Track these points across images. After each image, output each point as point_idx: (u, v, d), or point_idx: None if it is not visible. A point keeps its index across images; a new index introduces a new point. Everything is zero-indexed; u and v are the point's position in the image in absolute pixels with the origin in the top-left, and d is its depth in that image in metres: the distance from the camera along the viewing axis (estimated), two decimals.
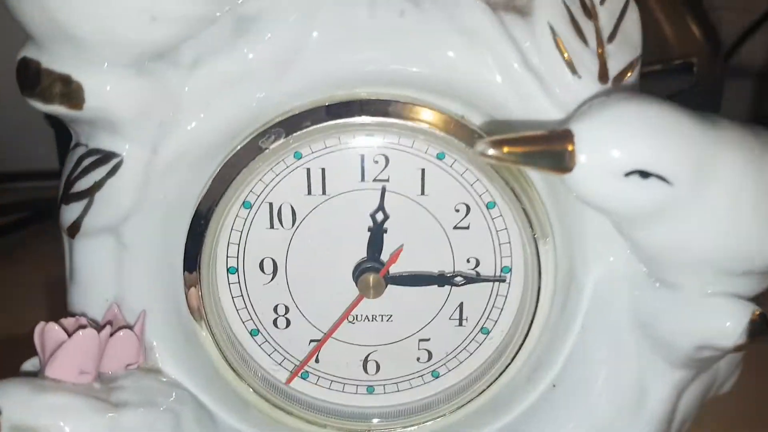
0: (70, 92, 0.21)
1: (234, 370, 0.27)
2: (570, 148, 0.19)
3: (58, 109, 0.21)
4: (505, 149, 0.19)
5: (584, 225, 0.25)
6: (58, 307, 0.46)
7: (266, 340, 0.28)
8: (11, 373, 0.36)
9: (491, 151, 0.19)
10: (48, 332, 0.21)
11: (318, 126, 0.24)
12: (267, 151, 0.24)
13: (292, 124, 0.24)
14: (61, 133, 0.71)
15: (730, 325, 0.21)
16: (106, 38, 0.20)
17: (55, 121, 0.72)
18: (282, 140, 0.24)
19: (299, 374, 0.28)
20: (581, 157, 0.20)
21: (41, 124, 0.73)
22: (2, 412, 0.19)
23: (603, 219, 0.24)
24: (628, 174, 0.20)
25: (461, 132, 0.24)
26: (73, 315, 0.24)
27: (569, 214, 0.25)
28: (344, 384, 0.29)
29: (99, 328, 0.23)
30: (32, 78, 0.21)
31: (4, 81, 0.77)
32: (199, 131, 0.23)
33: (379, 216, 0.26)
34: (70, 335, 0.21)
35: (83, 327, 0.22)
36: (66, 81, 0.20)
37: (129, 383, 0.23)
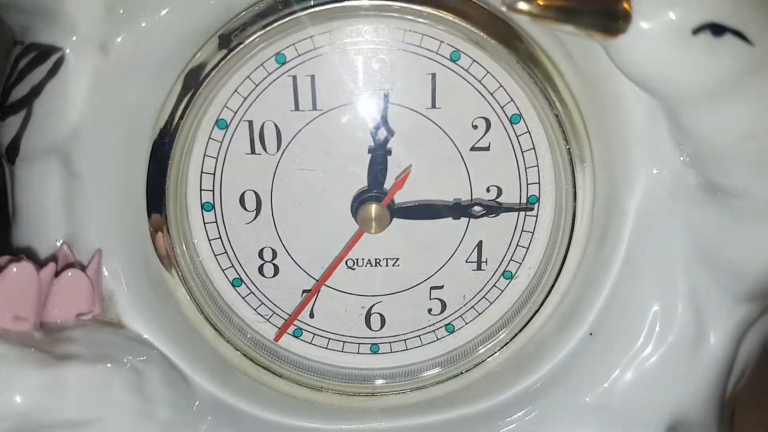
0: None
1: (213, 326, 0.24)
2: (626, 5, 0.15)
3: None
4: (542, 2, 0.15)
5: (627, 131, 0.22)
6: None
7: (251, 291, 0.25)
8: None
9: (523, 5, 0.15)
10: None
11: (303, 14, 0.20)
12: (241, 47, 0.21)
13: (270, 13, 0.20)
14: None
15: None
16: None
17: None
18: (258, 35, 0.20)
19: (289, 330, 0.25)
20: (638, 13, 0.16)
21: None
22: None
23: (648, 123, 0.21)
24: (697, 31, 0.17)
25: (481, 17, 0.21)
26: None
27: (609, 121, 0.22)
28: (344, 342, 0.26)
29: (41, 266, 0.19)
30: None
31: None
32: (159, 26, 0.21)
33: (382, 134, 0.23)
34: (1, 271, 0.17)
35: (17, 262, 0.18)
36: None
37: (80, 335, 0.21)
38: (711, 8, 0.16)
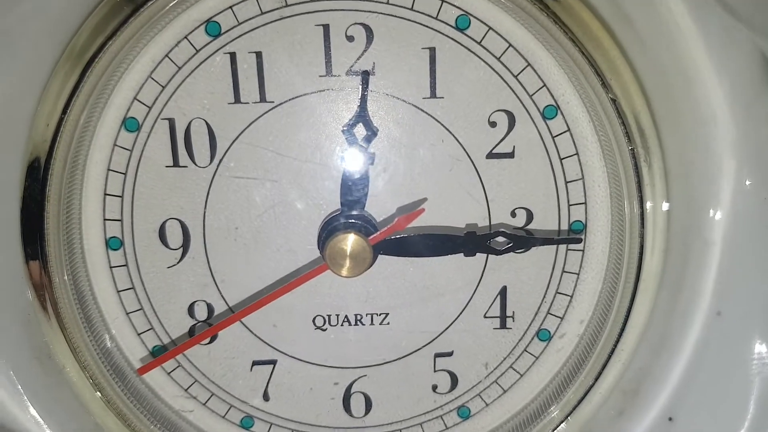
0: None
1: (124, 421, 0.17)
2: None
3: None
4: None
5: (710, 124, 0.15)
6: None
7: (179, 365, 0.18)
8: None
9: None
10: None
11: None
12: (150, 5, 0.14)
13: None
14: None
15: None
16: None
17: None
18: None
19: (236, 420, 0.18)
20: None
21: None
22: None
23: (739, 111, 0.15)
24: None
25: None
26: None
27: (685, 110, 0.16)
28: None
29: None
30: None
31: None
32: None
33: (360, 133, 0.16)
34: None
35: None
36: None
37: None
38: None
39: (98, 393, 0.17)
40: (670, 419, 0.17)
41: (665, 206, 0.16)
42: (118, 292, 0.17)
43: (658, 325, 0.17)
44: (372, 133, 0.16)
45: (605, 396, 0.18)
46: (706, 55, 0.15)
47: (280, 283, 0.17)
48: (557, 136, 0.17)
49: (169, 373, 0.18)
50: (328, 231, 0.16)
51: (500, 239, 0.17)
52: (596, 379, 0.17)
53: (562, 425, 0.18)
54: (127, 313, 0.17)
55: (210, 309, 0.18)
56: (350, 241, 0.16)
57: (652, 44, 0.15)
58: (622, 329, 0.17)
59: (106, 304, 0.17)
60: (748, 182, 0.16)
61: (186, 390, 0.18)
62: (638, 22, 0.15)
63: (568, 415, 0.18)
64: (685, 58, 0.15)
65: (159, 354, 0.18)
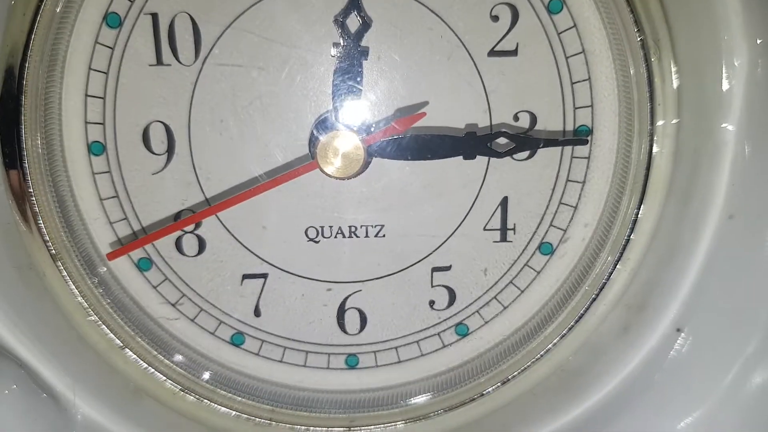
0: None
1: (110, 329, 0.16)
2: None
3: None
4: None
5: (717, 16, 0.14)
6: None
7: (166, 278, 0.17)
8: None
9: None
10: None
11: None
12: None
13: None
14: None
15: None
16: None
17: None
18: None
19: (227, 338, 0.17)
20: None
21: None
22: None
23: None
24: None
25: None
26: None
27: (701, 15, 0.15)
28: (306, 352, 0.18)
29: None
30: None
31: None
32: None
33: (353, 24, 0.15)
34: None
35: None
36: None
37: None
38: None
39: (81, 299, 0.16)
40: (678, 330, 0.16)
41: (674, 102, 0.15)
42: (101, 200, 0.17)
43: (666, 232, 0.16)
44: (365, 24, 0.15)
45: (608, 310, 0.17)
46: None
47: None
48: (563, 32, 0.16)
49: (155, 287, 0.17)
50: (320, 128, 0.15)
51: (502, 140, 0.16)
52: (600, 290, 0.16)
53: (563, 340, 0.17)
54: (111, 223, 0.17)
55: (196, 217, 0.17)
56: (343, 138, 0.15)
57: None
58: (629, 236, 0.16)
59: (89, 212, 0.17)
60: (760, 69, 0.15)
61: (174, 305, 0.18)
62: None
63: (570, 328, 0.17)
64: None
65: (146, 268, 0.17)
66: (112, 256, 0.17)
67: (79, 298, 0.17)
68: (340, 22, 0.16)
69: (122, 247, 0.17)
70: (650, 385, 0.18)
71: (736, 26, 0.15)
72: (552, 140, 0.16)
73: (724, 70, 0.15)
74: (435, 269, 0.17)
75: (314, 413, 0.17)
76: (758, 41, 0.15)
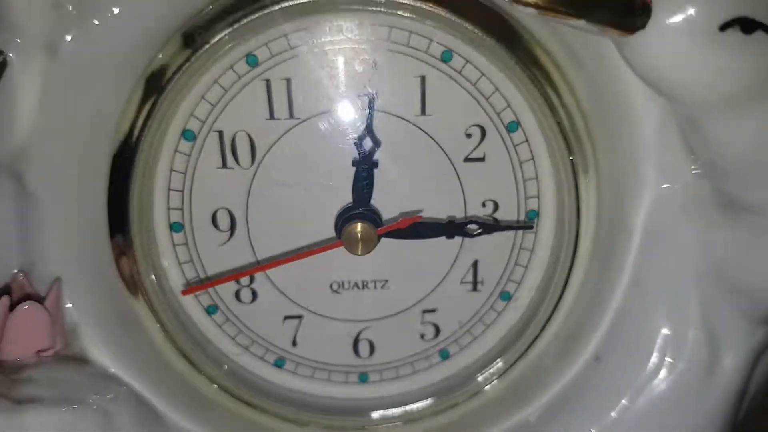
0: None
1: (186, 358, 0.22)
2: None
3: None
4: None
5: (635, 141, 0.20)
6: None
7: (227, 319, 0.23)
8: None
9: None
10: None
11: (276, 8, 0.18)
12: (207, 48, 0.19)
13: (239, 8, 0.19)
14: None
15: None
16: None
17: None
18: (227, 31, 0.18)
19: (271, 360, 0.23)
20: (659, 6, 0.15)
21: None
22: None
23: (659, 132, 0.20)
24: (724, 27, 0.15)
25: (475, 11, 0.19)
26: None
27: (616, 129, 0.20)
28: (330, 371, 0.24)
29: None
30: None
31: None
32: (114, 23, 0.18)
33: (367, 144, 0.21)
34: None
35: None
36: None
37: (40, 374, 0.19)
38: (740, 1, 0.14)
39: (168, 340, 0.22)
40: (597, 359, 0.22)
41: (595, 201, 0.21)
42: (180, 264, 0.22)
43: (589, 290, 0.21)
44: (376, 144, 0.20)
45: (549, 341, 0.22)
46: (642, 97, 0.19)
47: (310, 260, 0.21)
48: (518, 145, 0.21)
49: (220, 326, 0.23)
50: (343, 221, 0.20)
51: (473, 226, 0.21)
52: (542, 330, 0.22)
53: (515, 365, 0.23)
54: (187, 280, 0.22)
55: (251, 276, 0.22)
56: (359, 228, 0.20)
57: (595, 82, 0.19)
58: (562, 292, 0.21)
59: (171, 274, 0.22)
60: (665, 185, 0.20)
61: (233, 338, 0.23)
62: (588, 66, 0.19)
63: (519, 357, 0.22)
64: (623, 97, 0.19)
65: (213, 312, 0.23)
66: (185, 292, 0.22)
67: (162, 334, 0.23)
68: (358, 143, 0.21)
69: (193, 287, 0.22)
70: (583, 387, 0.24)
71: (647, 164, 0.20)
72: (508, 226, 0.21)
73: (634, 191, 0.20)
74: (425, 311, 0.23)
75: (338, 416, 0.23)
76: (663, 186, 0.20)
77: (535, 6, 0.14)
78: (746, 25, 0.15)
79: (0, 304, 0.18)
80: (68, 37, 0.18)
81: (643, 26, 0.15)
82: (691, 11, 0.15)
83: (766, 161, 0.18)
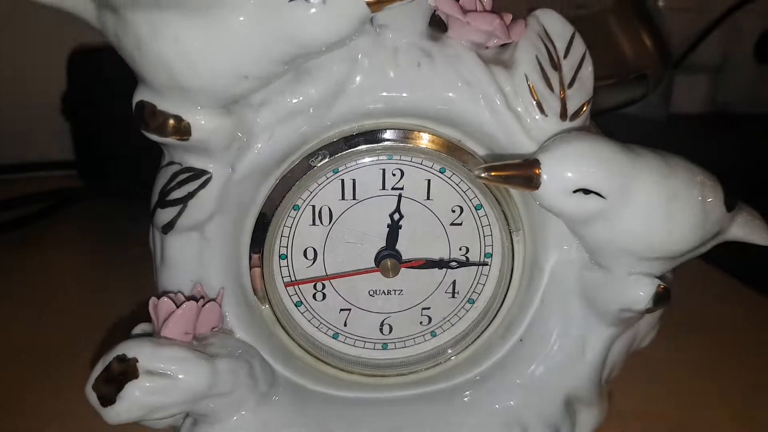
0: (181, 128, 0.25)
1: (286, 331, 0.32)
2: (537, 172, 0.26)
3: (169, 140, 0.27)
4: (493, 173, 0.27)
5: (546, 224, 0.30)
6: (83, 285, 0.53)
7: (307, 310, 0.33)
8: (45, 349, 0.42)
9: (484, 174, 0.27)
10: (162, 305, 0.28)
11: (353, 149, 0.29)
12: (315, 168, 0.29)
13: (333, 148, 0.28)
14: (77, 126, 0.76)
15: (642, 294, 0.27)
16: (211, 91, 0.25)
17: (71, 115, 0.77)
18: (326, 160, 0.29)
19: (330, 334, 0.33)
20: (545, 178, 0.25)
21: (56, 118, 0.78)
22: (138, 359, 0.26)
23: (559, 220, 0.29)
24: (575, 191, 0.25)
25: (458, 153, 0.29)
26: (163, 293, 0.31)
27: (535, 216, 0.30)
28: (365, 342, 0.33)
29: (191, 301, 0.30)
30: (149, 117, 0.26)
31: (22, 77, 0.82)
32: (265, 153, 0.28)
33: (396, 216, 0.30)
34: (177, 306, 0.28)
35: (186, 301, 0.29)
36: (178, 119, 0.26)
37: (215, 341, 0.28)
38: (583, 179, 0.25)
39: (277, 322, 0.34)
40: (521, 340, 0.32)
41: (522, 252, 0.31)
42: (282, 277, 0.31)
43: (518, 302, 0.31)
44: (401, 216, 0.30)
45: (495, 329, 0.32)
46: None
47: (358, 279, 0.32)
48: (481, 217, 0.30)
49: (302, 314, 0.32)
50: (380, 258, 0.31)
51: (453, 263, 0.31)
52: (490, 323, 0.32)
53: (474, 342, 0.33)
54: (285, 287, 0.33)
55: (323, 285, 0.32)
56: (389, 263, 0.30)
57: (524, 194, 0.30)
58: (503, 302, 0.31)
59: (278, 284, 0.32)
60: (565, 247, 0.30)
61: (309, 321, 0.33)
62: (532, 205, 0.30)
63: (477, 338, 0.33)
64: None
65: (299, 305, 0.36)
66: (287, 285, 0.32)
67: (273, 317, 0.35)
68: (391, 215, 0.34)
69: (289, 284, 0.32)
70: (513, 356, 0.37)
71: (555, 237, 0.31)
72: (473, 263, 0.31)
73: (546, 249, 0.31)
74: (423, 308, 0.32)
75: (369, 369, 0.33)
76: (564, 247, 0.29)
77: (486, 179, 0.25)
78: (585, 191, 0.25)
79: (197, 304, 0.27)
80: (243, 161, 0.27)
81: (538, 186, 0.25)
82: (559, 183, 0.25)
83: (605, 250, 0.27)
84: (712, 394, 0.40)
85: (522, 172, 0.25)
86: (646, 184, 0.25)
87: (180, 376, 0.25)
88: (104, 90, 0.67)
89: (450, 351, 0.34)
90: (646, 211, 0.26)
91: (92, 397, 0.24)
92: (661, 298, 0.27)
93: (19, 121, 0.85)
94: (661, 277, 0.28)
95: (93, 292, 0.54)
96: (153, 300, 0.27)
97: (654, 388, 0.40)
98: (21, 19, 0.83)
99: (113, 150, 0.71)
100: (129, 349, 0.25)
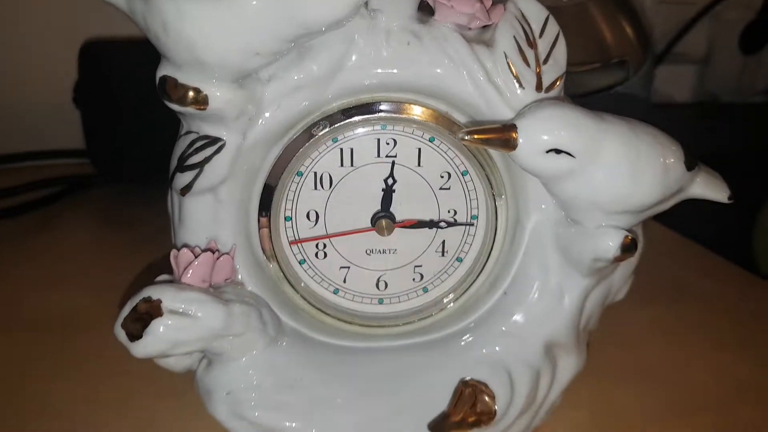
0: (199, 98, 0.28)
1: (291, 285, 0.35)
2: (514, 135, 0.30)
3: (189, 110, 0.30)
4: (475, 136, 0.30)
5: (526, 185, 0.32)
6: (93, 263, 0.56)
7: (310, 267, 0.35)
8: (59, 320, 0.45)
9: (467, 137, 0.30)
10: (182, 255, 0.31)
11: (350, 120, 0.32)
12: (316, 137, 0.32)
13: (333, 119, 0.31)
14: (88, 115, 0.79)
15: (611, 244, 0.29)
16: (227, 66, 0.28)
17: (81, 103, 0.81)
18: (326, 130, 0.32)
19: (330, 289, 0.36)
20: (521, 141, 0.28)
21: (67, 107, 0.81)
22: (162, 300, 0.29)
23: (538, 184, 0.31)
24: (548, 151, 0.28)
25: (446, 123, 0.32)
26: (183, 246, 0.34)
27: (516, 179, 0.33)
28: (363, 297, 0.36)
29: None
30: (171, 89, 0.29)
31: (33, 67, 0.86)
32: (272, 123, 0.30)
33: (390, 181, 0.33)
34: (196, 257, 0.32)
35: (203, 252, 0.32)
36: (197, 91, 0.29)
37: (229, 289, 0.31)
38: (554, 140, 0.27)
39: (283, 277, 0.39)
40: (505, 293, 0.34)
41: (505, 213, 0.35)
42: (288, 238, 0.34)
43: (502, 258, 0.34)
44: (394, 181, 0.32)
45: (481, 283, 0.35)
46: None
47: (356, 239, 0.34)
48: (467, 182, 0.33)
49: (305, 271, 0.36)
50: (376, 219, 0.33)
51: (443, 223, 0.34)
52: (477, 277, 0.35)
53: (463, 295, 0.37)
54: (290, 245, 0.38)
55: (324, 245, 0.34)
56: (384, 222, 0.33)
57: (506, 158, 0.34)
58: (488, 258, 0.34)
59: (284, 243, 0.36)
60: (543, 206, 0.34)
61: (312, 278, 0.38)
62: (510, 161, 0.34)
63: (465, 291, 0.36)
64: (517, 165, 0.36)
65: (303, 263, 0.40)
66: (292, 243, 0.35)
67: (280, 274, 0.39)
68: (385, 181, 0.37)
69: (293, 242, 0.36)
70: (499, 307, 0.40)
71: (533, 200, 0.37)
72: (461, 223, 0.36)
73: (526, 210, 0.36)
74: (416, 266, 0.34)
75: (367, 320, 0.36)
76: (542, 206, 0.32)
77: (468, 141, 0.29)
78: (557, 151, 0.27)
79: (213, 256, 0.31)
80: (252, 130, 0.30)
81: (515, 148, 0.28)
82: (533, 144, 0.27)
83: (575, 204, 0.29)
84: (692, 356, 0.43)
85: (500, 135, 0.28)
86: (612, 145, 0.28)
87: (199, 315, 0.28)
88: (114, 80, 0.70)
89: (441, 304, 0.36)
90: (612, 169, 0.28)
91: (121, 334, 0.28)
92: (627, 248, 0.30)
93: (33, 112, 0.88)
94: (628, 231, 0.31)
95: (105, 268, 0.58)
96: (174, 251, 0.30)
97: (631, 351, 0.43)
98: (33, 13, 0.86)
99: (123, 138, 0.74)
100: (153, 291, 0.28)
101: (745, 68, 1.13)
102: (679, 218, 0.50)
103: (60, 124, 0.88)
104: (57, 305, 0.46)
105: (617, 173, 0.29)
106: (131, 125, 0.71)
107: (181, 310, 0.27)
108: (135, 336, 0.27)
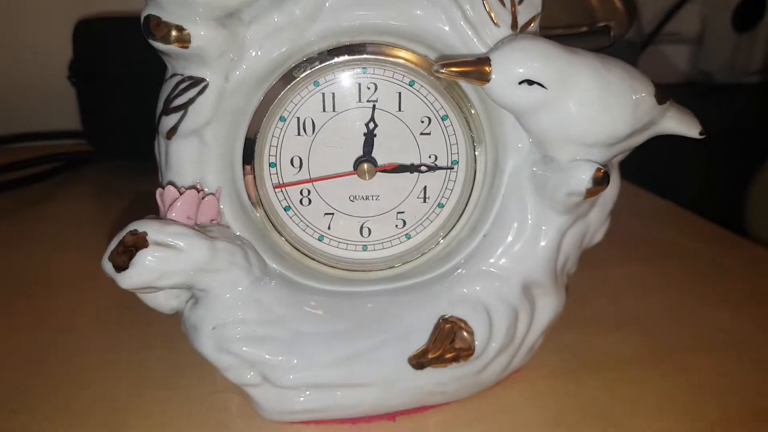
0: (182, 36, 0.29)
1: (277, 232, 0.35)
2: (488, 68, 0.31)
3: (172, 48, 0.31)
4: (451, 69, 0.31)
5: (503, 127, 0.33)
6: (86, 237, 0.57)
7: (295, 214, 0.36)
8: (58, 284, 0.46)
9: (442, 69, 0.31)
10: (167, 191, 0.32)
11: (331, 62, 0.32)
12: (297, 80, 0.32)
13: (313, 61, 0.32)
14: (82, 92, 0.80)
15: (584, 177, 0.30)
16: (208, 3, 0.28)
17: (76, 81, 0.81)
18: (307, 72, 0.32)
19: (316, 237, 0.36)
20: (495, 73, 0.29)
21: (63, 87, 0.82)
22: (148, 233, 0.30)
23: (514, 121, 0.32)
24: (521, 83, 0.29)
25: (425, 66, 0.32)
26: (169, 183, 0.35)
27: (495, 122, 0.33)
28: (347, 243, 0.36)
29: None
30: (155, 27, 0.30)
31: (28, 48, 0.87)
32: (254, 65, 0.31)
33: (371, 125, 0.33)
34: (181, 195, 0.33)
35: (188, 190, 0.33)
36: (179, 29, 0.30)
37: (214, 229, 0.31)
38: (526, 71, 0.28)
39: (268, 222, 0.39)
40: (485, 236, 0.36)
41: (484, 156, 0.37)
42: (272, 184, 0.36)
43: (482, 201, 0.34)
44: (375, 125, 0.33)
45: (462, 227, 0.36)
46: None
47: (339, 183, 0.35)
48: (447, 127, 0.34)
49: (291, 218, 0.39)
50: (358, 163, 0.34)
51: (424, 167, 0.34)
52: (457, 221, 0.35)
53: (445, 239, 0.38)
54: (275, 192, 0.40)
55: (308, 192, 0.35)
56: (366, 166, 0.34)
57: (484, 98, 0.34)
58: (467, 202, 0.35)
59: (268, 189, 0.38)
60: (519, 145, 0.37)
61: (296, 224, 0.40)
62: (480, 92, 0.34)
63: (446, 235, 0.36)
64: (496, 107, 0.35)
65: (288, 210, 0.41)
66: (276, 187, 0.35)
67: (264, 218, 0.40)
68: (367, 125, 0.38)
69: (278, 186, 0.36)
70: (480, 249, 0.41)
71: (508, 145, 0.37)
72: (441, 167, 0.38)
73: (506, 153, 0.38)
74: (398, 212, 0.35)
75: (352, 265, 0.36)
76: (518, 145, 0.34)
77: (445, 75, 0.29)
78: (529, 82, 0.28)
79: (198, 194, 0.31)
80: (235, 72, 0.31)
81: (489, 81, 0.28)
82: (506, 76, 0.28)
83: (548, 139, 0.30)
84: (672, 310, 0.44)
85: (475, 68, 0.29)
86: (583, 77, 0.29)
87: (183, 246, 0.29)
88: (109, 58, 0.71)
89: (422, 249, 0.37)
90: (583, 100, 0.29)
91: (108, 266, 0.28)
92: (600, 180, 0.31)
93: (29, 93, 0.89)
94: (601, 165, 0.32)
95: (100, 237, 0.59)
96: (159, 189, 0.31)
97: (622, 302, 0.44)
98: None
99: (118, 115, 0.75)
100: (140, 225, 0.29)
101: (738, 47, 1.14)
102: (676, 189, 0.51)
103: (56, 105, 0.89)
104: (51, 268, 0.48)
105: (588, 104, 0.29)
106: (126, 102, 0.72)
107: (167, 243, 0.28)
108: (121, 267, 0.28)
